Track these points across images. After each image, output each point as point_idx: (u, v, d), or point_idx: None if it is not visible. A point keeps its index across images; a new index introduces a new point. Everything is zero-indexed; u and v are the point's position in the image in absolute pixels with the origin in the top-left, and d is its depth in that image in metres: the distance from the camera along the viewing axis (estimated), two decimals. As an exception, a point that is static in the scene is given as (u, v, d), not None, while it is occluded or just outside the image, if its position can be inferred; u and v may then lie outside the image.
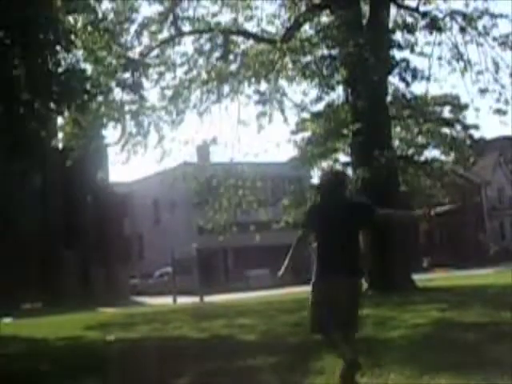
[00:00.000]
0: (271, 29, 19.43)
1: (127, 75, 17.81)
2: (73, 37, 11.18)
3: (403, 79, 18.13)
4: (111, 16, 17.32)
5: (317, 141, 20.16)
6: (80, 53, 13.83)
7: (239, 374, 6.62)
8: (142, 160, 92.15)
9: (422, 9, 18.84)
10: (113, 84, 17.69)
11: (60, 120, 17.18)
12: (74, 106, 11.89)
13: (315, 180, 24.16)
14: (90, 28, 13.23)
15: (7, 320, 19.94)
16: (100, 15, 13.97)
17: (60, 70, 10.88)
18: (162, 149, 18.74)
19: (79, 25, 12.32)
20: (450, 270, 37.13)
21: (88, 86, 11.90)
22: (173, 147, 19.34)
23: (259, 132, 19.13)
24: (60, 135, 18.62)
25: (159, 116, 18.93)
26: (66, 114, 14.52)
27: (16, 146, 10.77)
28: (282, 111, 19.20)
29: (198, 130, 24.66)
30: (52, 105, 11.18)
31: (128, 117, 18.77)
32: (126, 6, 17.76)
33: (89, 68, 15.43)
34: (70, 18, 11.77)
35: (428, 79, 18.27)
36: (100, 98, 17.56)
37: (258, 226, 22.42)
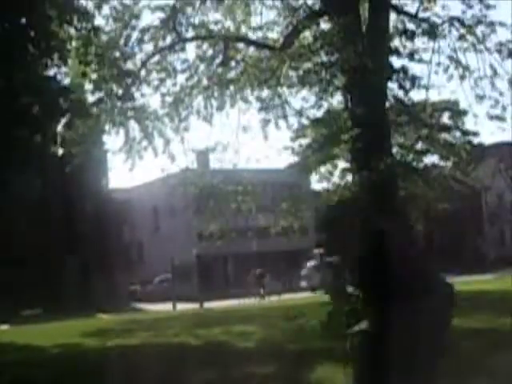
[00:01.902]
0: (271, 35, 19.45)
1: (121, 85, 17.78)
2: (66, 48, 11.15)
3: (402, 87, 18.14)
4: (110, 23, 17.34)
5: (316, 147, 20.15)
6: (66, 69, 13.69)
7: (237, 382, 6.59)
8: (142, 166, 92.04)
9: (421, 15, 18.87)
10: (110, 91, 17.66)
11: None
12: (61, 124, 11.85)
13: (314, 186, 24.16)
14: (82, 41, 13.20)
15: (4, 327, 19.89)
16: (95, 27, 13.92)
17: (46, 86, 10.83)
18: (169, 153, 18.63)
19: (73, 37, 12.26)
20: (449, 275, 37.05)
21: (73, 105, 11.85)
22: (175, 154, 19.24)
23: (264, 139, 19.07)
24: (59, 141, 18.60)
25: (162, 121, 18.90)
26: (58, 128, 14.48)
27: (14, 152, 10.76)
28: (285, 118, 19.17)
29: (200, 136, 24.60)
30: (50, 107, 11.13)
31: (129, 123, 18.76)
32: (126, 13, 17.78)
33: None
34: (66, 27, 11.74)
35: (427, 88, 18.27)
36: (102, 105, 17.55)
37: (258, 232, 22.42)
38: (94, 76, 15.91)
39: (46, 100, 10.16)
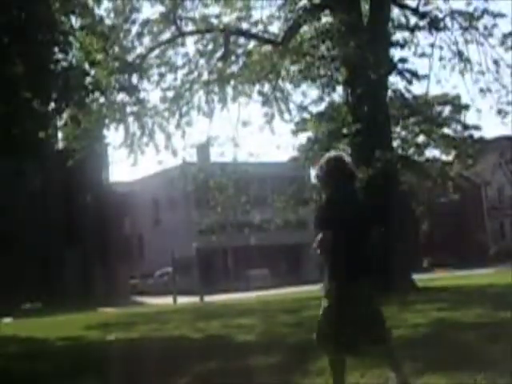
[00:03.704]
0: (272, 28, 19.45)
1: (125, 77, 17.80)
2: (70, 38, 11.18)
3: (403, 79, 18.15)
4: (111, 16, 17.32)
5: (317, 141, 20.18)
6: (77, 52, 13.79)
7: (239, 374, 6.62)
8: (143, 160, 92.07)
9: (422, 9, 18.86)
10: (112, 84, 17.67)
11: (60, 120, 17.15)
12: (73, 103, 11.91)
13: (315, 180, 24.18)
14: (86, 31, 13.23)
15: (7, 320, 19.97)
16: (98, 17, 13.95)
17: (59, 68, 10.88)
18: (171, 148, 18.63)
19: (76, 26, 12.30)
20: (450, 269, 37.17)
21: (86, 82, 11.92)
22: (176, 147, 19.23)
23: (269, 133, 19.13)
24: (60, 135, 18.62)
25: (162, 116, 18.89)
26: (65, 114, 14.53)
27: (15, 146, 10.79)
28: (288, 112, 19.22)
29: (200, 130, 24.65)
30: (52, 104, 11.18)
31: (130, 118, 18.76)
32: (126, 6, 17.74)
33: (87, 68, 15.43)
34: (69, 19, 11.77)
35: (428, 79, 18.29)
36: (101, 100, 17.58)
37: (258, 225, 22.44)
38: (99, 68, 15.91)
39: (55, 85, 10.19)
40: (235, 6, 18.81)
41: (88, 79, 12.39)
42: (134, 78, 18.25)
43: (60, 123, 16.74)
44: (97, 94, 16.35)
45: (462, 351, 6.77)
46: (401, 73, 18.29)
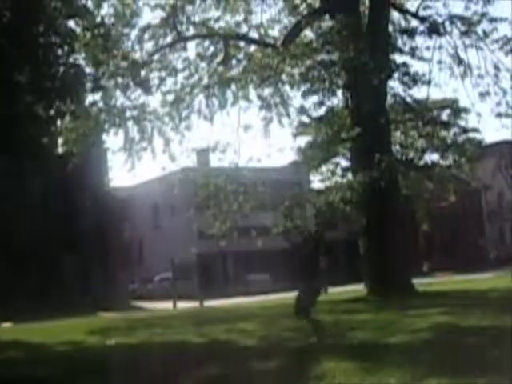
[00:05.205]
0: (272, 32, 19.46)
1: (131, 77, 17.77)
2: (73, 39, 11.19)
3: (403, 83, 18.18)
4: (112, 20, 17.33)
5: (317, 145, 20.18)
6: (80, 55, 13.84)
7: (239, 379, 6.61)
8: (143, 164, 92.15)
9: (421, 13, 18.91)
10: (117, 83, 17.63)
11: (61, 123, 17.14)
12: (70, 99, 11.89)
13: (315, 184, 24.19)
14: (89, 33, 13.27)
15: (6, 325, 19.93)
16: (99, 19, 14.00)
17: (58, 68, 10.90)
18: (169, 153, 18.61)
19: (79, 29, 12.34)
20: (450, 274, 37.13)
21: (85, 80, 11.94)
22: (176, 152, 19.20)
23: (266, 137, 19.11)
24: (60, 140, 18.61)
25: (162, 121, 18.87)
26: (65, 117, 14.55)
27: (17, 149, 10.80)
28: (288, 116, 19.22)
29: (200, 135, 24.66)
30: (53, 106, 11.18)
31: (130, 122, 18.74)
32: (126, 11, 17.76)
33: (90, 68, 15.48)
34: (71, 23, 11.81)
35: (428, 83, 18.32)
36: (100, 104, 17.57)
37: (258, 230, 22.41)
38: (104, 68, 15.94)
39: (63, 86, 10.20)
40: (235, 11, 18.84)
41: (85, 77, 12.42)
42: (142, 77, 18.17)
43: (61, 125, 16.73)
44: (96, 96, 16.33)
45: (463, 355, 6.76)
46: (400, 78, 18.32)
